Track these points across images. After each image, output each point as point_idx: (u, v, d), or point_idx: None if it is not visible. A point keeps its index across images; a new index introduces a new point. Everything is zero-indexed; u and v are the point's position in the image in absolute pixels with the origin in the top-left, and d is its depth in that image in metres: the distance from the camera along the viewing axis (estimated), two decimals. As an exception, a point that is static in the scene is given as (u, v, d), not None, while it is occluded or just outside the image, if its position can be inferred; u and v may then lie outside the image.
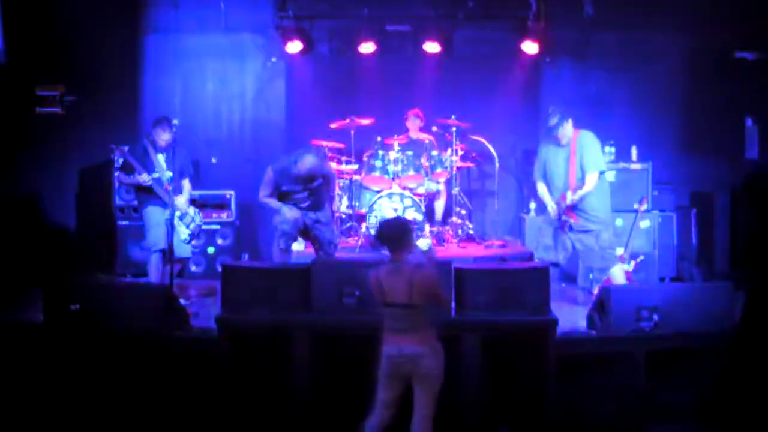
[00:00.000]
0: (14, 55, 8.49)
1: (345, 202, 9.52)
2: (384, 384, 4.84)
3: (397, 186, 9.01)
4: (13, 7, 8.43)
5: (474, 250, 9.18)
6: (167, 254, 7.29)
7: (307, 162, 7.27)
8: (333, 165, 9.27)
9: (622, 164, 8.89)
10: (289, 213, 7.16)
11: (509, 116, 10.04)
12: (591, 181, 7.32)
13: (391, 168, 9.08)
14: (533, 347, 5.89)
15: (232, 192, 9.29)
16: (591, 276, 7.80)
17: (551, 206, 7.58)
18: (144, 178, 7.38)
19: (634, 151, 9.09)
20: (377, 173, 9.14)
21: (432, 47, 9.75)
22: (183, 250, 7.56)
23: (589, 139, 7.46)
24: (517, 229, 10.18)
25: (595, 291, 7.16)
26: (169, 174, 7.50)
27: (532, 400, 5.87)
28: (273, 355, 5.98)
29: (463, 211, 9.78)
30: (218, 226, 9.20)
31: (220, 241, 9.20)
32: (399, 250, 4.83)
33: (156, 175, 7.45)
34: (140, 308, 6.14)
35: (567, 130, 7.42)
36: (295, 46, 9.59)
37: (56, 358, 6.05)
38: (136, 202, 8.69)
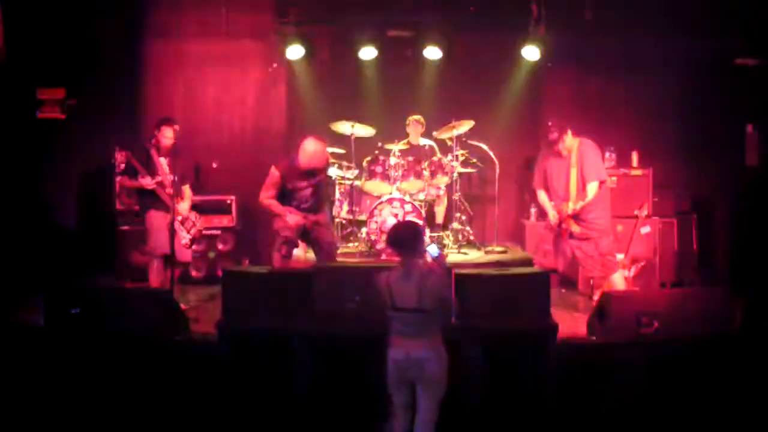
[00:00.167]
0: (15, 58, 8.51)
1: (345, 207, 9.52)
2: (395, 389, 4.88)
3: (398, 191, 9.01)
4: (13, 10, 8.44)
5: (474, 256, 9.17)
6: (168, 259, 7.29)
7: (311, 148, 7.16)
8: (334, 171, 9.28)
9: (622, 170, 8.90)
10: (292, 219, 7.08)
11: (510, 122, 10.04)
12: (592, 190, 7.33)
13: (391, 173, 9.08)
14: (534, 353, 5.89)
15: (233, 197, 9.30)
16: (591, 282, 7.80)
17: (552, 214, 7.59)
18: (147, 181, 7.37)
19: (634, 156, 9.10)
20: (378, 179, 9.14)
21: (433, 53, 9.75)
22: (184, 254, 7.57)
23: (589, 149, 7.48)
24: (517, 234, 10.18)
25: (596, 297, 7.16)
26: (174, 178, 7.50)
27: (533, 406, 5.86)
28: (273, 360, 5.98)
29: (464, 217, 9.77)
30: (219, 231, 9.21)
31: (220, 246, 9.21)
32: (410, 254, 4.85)
33: (159, 178, 7.45)
34: (141, 313, 6.15)
35: (567, 142, 7.46)
36: (296, 52, 9.59)
37: (57, 361, 6.05)
38: (137, 207, 8.71)
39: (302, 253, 8.44)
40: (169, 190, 7.38)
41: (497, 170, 9.69)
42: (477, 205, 10.44)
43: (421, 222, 8.82)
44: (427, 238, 8.65)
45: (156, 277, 7.41)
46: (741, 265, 8.82)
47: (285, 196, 7.22)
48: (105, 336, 6.04)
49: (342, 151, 9.47)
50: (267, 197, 7.21)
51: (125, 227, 9.05)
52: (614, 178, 8.59)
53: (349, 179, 9.39)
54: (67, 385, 6.00)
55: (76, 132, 9.33)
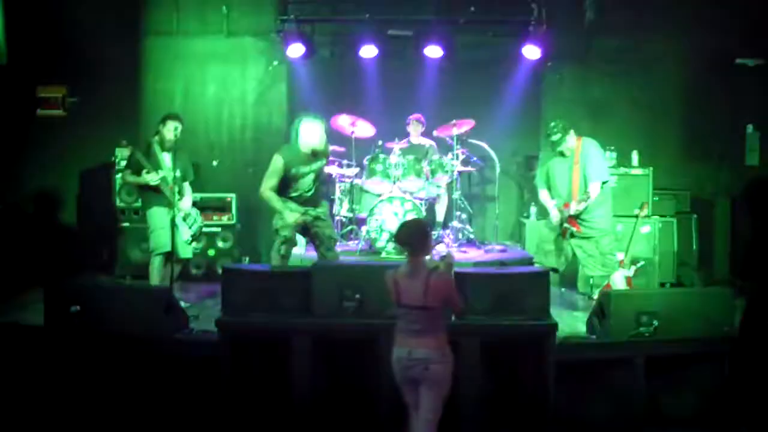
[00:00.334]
0: (16, 56, 8.51)
1: (345, 205, 9.52)
2: (403, 389, 4.88)
3: (398, 190, 9.01)
4: (15, 8, 8.45)
5: (474, 255, 9.18)
6: (170, 256, 7.29)
7: (309, 128, 6.91)
8: (334, 168, 9.29)
9: (622, 170, 8.90)
10: (291, 217, 6.96)
11: (510, 121, 10.04)
12: (594, 190, 7.34)
13: (391, 172, 9.08)
14: (533, 352, 5.89)
15: (233, 195, 9.31)
16: (591, 281, 7.81)
17: (554, 213, 7.60)
18: (152, 177, 7.34)
19: (634, 156, 9.11)
20: (378, 177, 9.14)
21: (433, 52, 9.75)
22: (185, 251, 7.56)
23: (592, 149, 7.49)
24: (517, 233, 10.19)
25: (595, 296, 7.17)
26: (175, 174, 7.50)
27: (532, 405, 5.87)
28: (273, 358, 5.98)
29: (464, 216, 9.77)
30: (219, 229, 9.22)
31: (220, 244, 9.22)
32: (417, 252, 4.85)
33: (162, 173, 7.42)
34: (140, 310, 6.15)
35: (570, 142, 7.47)
36: (296, 50, 9.59)
37: (56, 359, 6.05)
38: (137, 204, 8.72)
39: (302, 251, 8.44)
40: (172, 186, 7.38)
41: (497, 169, 9.70)
42: (477, 203, 10.46)
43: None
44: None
45: (157, 275, 7.41)
46: (740, 264, 8.83)
47: (286, 185, 6.96)
48: (105, 334, 6.04)
49: (342, 149, 9.48)
50: (268, 188, 6.84)
51: (125, 224, 9.06)
52: (614, 178, 8.59)
53: (349, 177, 9.40)
54: (67, 382, 6.00)
55: (77, 130, 9.35)
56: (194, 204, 7.80)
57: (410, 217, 8.65)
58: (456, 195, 9.60)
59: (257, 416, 5.96)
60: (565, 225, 7.52)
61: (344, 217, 9.59)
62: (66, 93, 9.37)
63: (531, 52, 9.49)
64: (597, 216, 7.45)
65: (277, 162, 6.85)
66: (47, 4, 8.98)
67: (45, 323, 6.20)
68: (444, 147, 9.70)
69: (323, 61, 10.16)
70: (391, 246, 8.68)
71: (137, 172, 7.38)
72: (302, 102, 9.97)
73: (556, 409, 5.83)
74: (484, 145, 9.64)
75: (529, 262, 8.62)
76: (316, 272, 6.06)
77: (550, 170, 7.68)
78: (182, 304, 6.94)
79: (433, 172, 9.29)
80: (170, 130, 7.49)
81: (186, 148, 7.85)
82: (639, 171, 8.94)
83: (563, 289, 8.47)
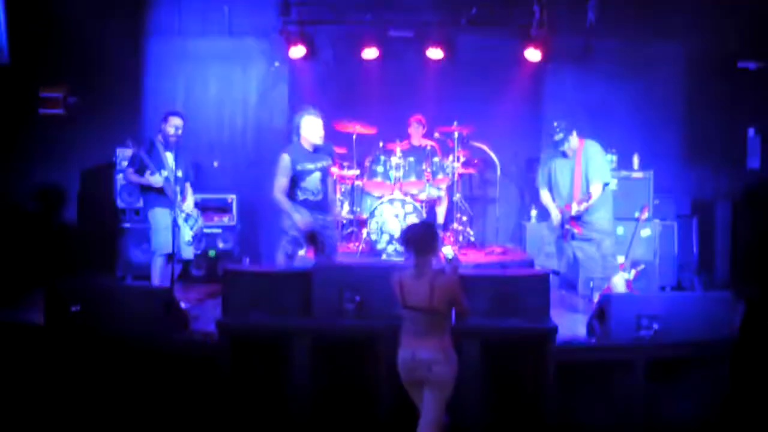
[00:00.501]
0: (17, 56, 8.51)
1: (346, 207, 9.53)
2: (409, 391, 4.89)
3: (399, 192, 9.01)
4: (16, 8, 8.44)
5: (475, 257, 9.18)
6: (171, 257, 7.30)
7: (310, 122, 6.95)
8: (335, 170, 9.29)
9: (623, 172, 8.90)
10: (301, 221, 6.97)
11: (511, 123, 10.05)
12: (595, 191, 7.34)
13: (392, 173, 9.09)
14: (533, 354, 5.89)
15: (234, 196, 9.31)
16: (591, 284, 7.81)
17: (555, 214, 7.60)
18: (156, 179, 7.34)
19: (635, 159, 9.11)
20: (379, 179, 9.15)
21: (435, 53, 9.76)
22: (186, 251, 7.56)
23: (594, 150, 7.49)
24: (518, 236, 10.18)
25: (596, 299, 7.16)
26: (179, 173, 7.49)
27: (532, 407, 5.87)
28: (273, 359, 5.98)
29: (465, 218, 9.78)
30: (220, 230, 9.22)
31: (221, 245, 9.22)
32: (424, 254, 4.86)
33: (165, 173, 7.42)
34: (141, 311, 6.15)
35: (572, 142, 7.46)
36: (298, 51, 9.60)
37: (57, 359, 6.05)
38: (138, 205, 8.72)
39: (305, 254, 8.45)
40: (174, 187, 7.38)
41: (498, 171, 9.71)
42: (477, 205, 10.46)
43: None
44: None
45: (158, 276, 7.41)
46: (741, 268, 8.84)
47: (294, 185, 6.98)
48: (105, 334, 6.04)
49: (343, 150, 9.48)
50: (281, 189, 6.89)
51: (126, 225, 9.06)
52: (615, 181, 8.59)
53: (350, 179, 9.40)
54: (67, 382, 6.00)
55: (78, 130, 9.33)
56: (195, 205, 7.80)
57: (411, 218, 8.66)
58: (457, 197, 9.60)
59: (257, 417, 5.96)
60: (567, 226, 7.52)
61: (345, 218, 9.59)
62: (67, 93, 9.35)
63: (532, 54, 9.50)
64: (598, 218, 7.45)
65: (284, 160, 6.90)
66: (49, 4, 8.97)
67: (45, 323, 6.19)
68: (445, 149, 9.70)
69: (325, 62, 10.16)
70: (391, 248, 8.69)
71: (140, 172, 7.39)
72: (303, 103, 9.95)
73: (556, 412, 5.83)
74: (485, 146, 9.64)
75: (530, 264, 8.62)
76: (317, 273, 6.06)
77: (552, 171, 7.68)
78: (183, 304, 6.94)
79: (433, 174, 9.29)
80: (171, 126, 7.49)
81: (187, 148, 7.85)
82: (640, 174, 8.95)
83: (563, 292, 8.47)
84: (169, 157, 7.50)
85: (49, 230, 9.05)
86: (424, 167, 9.20)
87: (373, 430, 5.85)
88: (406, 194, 9.03)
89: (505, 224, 10.21)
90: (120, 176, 8.84)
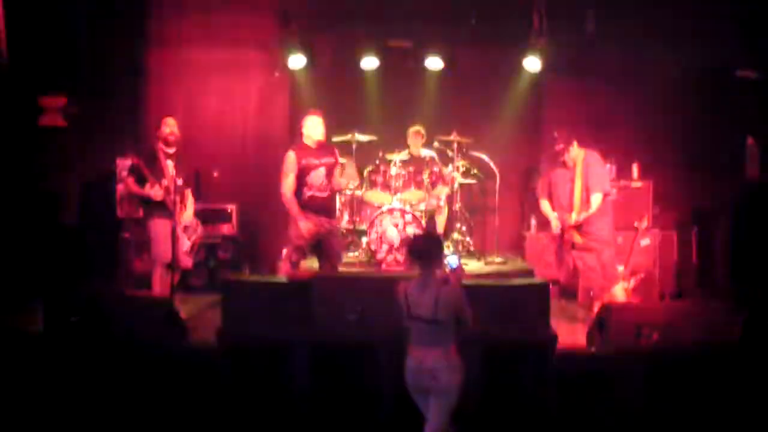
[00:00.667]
0: (18, 65, 8.53)
1: (346, 217, 9.52)
2: (415, 399, 4.90)
3: (398, 202, 9.01)
4: (17, 17, 8.47)
5: (474, 267, 9.17)
6: (170, 267, 7.30)
7: (312, 120, 7.26)
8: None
9: (622, 182, 8.92)
10: (305, 226, 7.08)
11: (511, 133, 10.04)
12: (595, 202, 7.36)
13: (392, 183, 9.09)
14: (533, 364, 5.90)
15: (234, 206, 9.32)
16: (591, 293, 7.81)
17: (555, 223, 7.61)
18: (156, 192, 7.35)
19: (635, 168, 9.12)
20: (378, 188, 9.15)
21: (434, 63, 9.78)
22: (184, 261, 7.56)
23: (595, 161, 7.52)
24: (517, 245, 10.18)
25: (595, 308, 7.16)
26: (179, 181, 7.50)
27: (532, 417, 5.86)
28: (273, 369, 5.98)
29: (464, 227, 9.77)
30: (220, 240, 9.22)
31: (221, 255, 9.21)
32: (428, 265, 4.87)
33: (165, 182, 7.43)
34: (141, 320, 6.16)
35: (573, 153, 7.49)
36: (298, 61, 9.62)
37: (56, 369, 6.05)
38: (139, 214, 8.71)
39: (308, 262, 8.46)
40: (174, 197, 7.38)
41: (498, 181, 9.69)
42: (477, 215, 10.44)
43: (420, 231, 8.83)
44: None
45: (159, 285, 7.41)
46: (741, 277, 8.83)
47: (300, 181, 7.17)
48: (104, 343, 6.04)
49: (343, 160, 9.48)
50: (289, 188, 7.13)
51: (126, 234, 9.06)
52: (614, 190, 8.60)
53: (350, 189, 9.40)
54: (67, 392, 6.00)
55: (78, 140, 9.35)
56: (195, 214, 7.81)
57: (410, 228, 8.66)
58: (456, 207, 9.60)
59: (257, 427, 5.95)
60: (567, 236, 7.53)
61: (344, 228, 9.58)
62: (67, 103, 9.37)
63: (531, 63, 9.52)
64: (598, 228, 7.46)
65: (289, 156, 7.17)
66: (50, 14, 9.00)
67: (44, 332, 6.19)
68: (444, 158, 9.70)
69: (324, 72, 10.17)
70: (391, 258, 8.69)
71: (141, 183, 7.40)
72: (303, 112, 9.97)
73: (556, 421, 5.82)
74: (485, 156, 9.65)
75: (530, 274, 8.61)
76: (317, 284, 6.07)
77: (552, 181, 7.70)
78: (183, 314, 6.93)
79: (433, 184, 9.29)
80: (166, 126, 7.53)
81: (187, 155, 7.85)
82: (639, 183, 8.97)
83: (563, 301, 8.46)
84: (170, 166, 7.51)
85: (49, 240, 9.05)
86: (423, 177, 9.20)
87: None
88: (405, 204, 9.03)
89: (504, 234, 10.19)
90: (120, 186, 8.84)
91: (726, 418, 5.89)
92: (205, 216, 8.65)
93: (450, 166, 9.47)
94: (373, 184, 9.18)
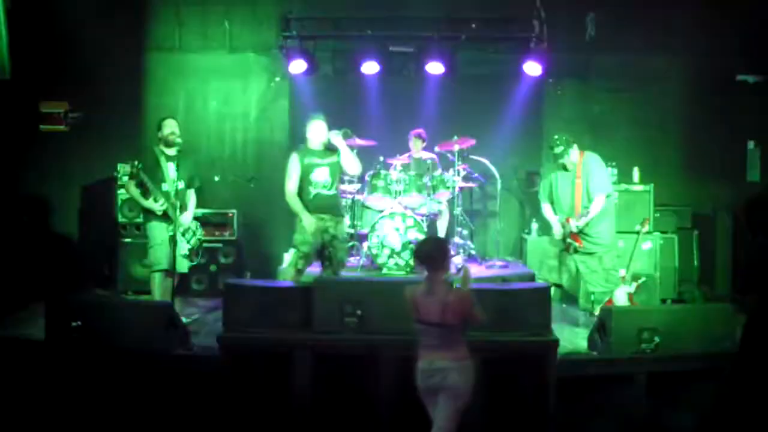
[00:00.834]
0: (20, 71, 8.54)
1: (347, 221, 9.52)
2: (425, 402, 4.89)
3: (399, 206, 9.01)
4: (19, 24, 8.48)
5: (475, 271, 9.17)
6: (169, 272, 7.29)
7: (315, 124, 7.37)
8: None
9: (623, 186, 8.91)
10: (309, 223, 7.14)
11: (512, 137, 10.05)
12: (598, 203, 7.36)
13: (393, 188, 9.09)
14: (534, 368, 5.88)
15: (235, 210, 9.33)
16: (592, 297, 7.81)
17: (556, 228, 7.61)
18: (157, 206, 7.33)
19: (636, 172, 9.12)
20: (379, 193, 9.15)
21: (435, 68, 9.78)
22: (181, 265, 7.52)
23: (594, 163, 7.52)
24: (518, 249, 10.18)
25: (597, 312, 7.16)
26: (179, 185, 7.49)
27: (533, 422, 5.85)
28: (274, 373, 5.97)
29: (465, 231, 9.77)
30: (221, 245, 9.22)
31: (222, 260, 9.22)
32: (435, 269, 4.87)
33: (165, 187, 7.41)
34: (141, 325, 6.15)
35: (573, 156, 7.50)
36: (298, 66, 9.63)
37: (57, 374, 6.04)
38: (138, 219, 8.72)
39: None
40: (174, 201, 7.36)
41: (498, 185, 9.70)
42: (478, 219, 10.45)
43: (422, 237, 8.81)
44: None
45: (158, 291, 7.40)
46: (742, 279, 8.82)
47: (304, 180, 7.25)
48: (106, 349, 6.03)
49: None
50: (292, 189, 7.24)
51: (127, 240, 9.06)
52: (616, 194, 8.61)
53: (350, 193, 9.41)
54: (68, 398, 5.99)
55: (79, 145, 9.37)
56: (195, 217, 7.79)
57: (412, 233, 8.66)
58: (457, 211, 9.61)
59: (257, 431, 5.95)
60: (568, 240, 7.53)
61: (345, 232, 9.57)
62: (68, 108, 9.39)
63: (532, 68, 9.52)
64: (600, 231, 7.47)
65: (292, 158, 7.32)
66: (51, 20, 9.02)
67: (46, 338, 6.19)
68: (445, 163, 9.70)
69: (325, 77, 10.19)
70: (392, 262, 8.69)
71: (143, 194, 7.37)
72: (304, 118, 9.99)
73: (557, 425, 5.81)
74: (486, 161, 9.65)
75: (531, 278, 8.61)
76: (318, 288, 6.06)
77: (553, 184, 7.71)
78: (183, 319, 6.93)
79: (434, 188, 9.29)
80: (167, 128, 7.49)
81: (190, 155, 7.83)
82: (640, 187, 8.96)
83: (564, 305, 8.45)
84: (171, 169, 7.48)
85: (49, 245, 9.05)
86: (424, 181, 9.20)
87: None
88: (406, 208, 9.03)
89: (505, 238, 10.21)
90: (121, 191, 8.85)
91: (727, 422, 5.88)
92: (205, 221, 8.66)
93: (451, 170, 9.46)
94: (374, 189, 9.18)
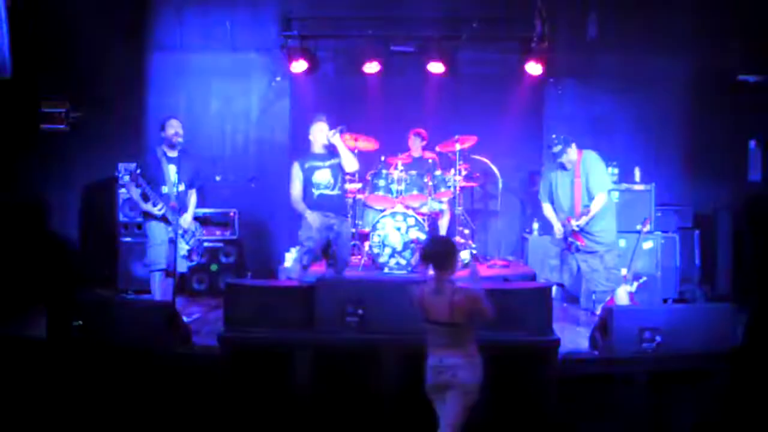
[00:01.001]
0: (20, 70, 8.54)
1: (348, 221, 9.52)
2: (433, 399, 4.88)
3: (401, 205, 9.01)
4: (20, 23, 8.48)
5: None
6: (168, 272, 7.28)
7: (316, 126, 7.47)
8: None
9: (625, 185, 8.91)
10: (313, 219, 7.20)
11: (512, 136, 10.05)
12: (598, 201, 7.36)
13: (394, 187, 9.09)
14: (536, 367, 5.88)
15: (236, 210, 9.33)
16: (593, 296, 7.81)
17: (557, 227, 7.61)
18: (157, 210, 7.33)
19: (637, 172, 9.11)
20: (381, 192, 9.15)
21: (436, 67, 9.78)
22: (180, 265, 7.51)
23: (593, 161, 7.51)
24: (519, 249, 10.18)
25: (598, 311, 7.16)
26: (180, 187, 7.48)
27: (534, 421, 5.85)
28: (275, 373, 5.97)
29: (467, 231, 9.76)
30: (221, 244, 9.23)
31: (223, 259, 9.22)
32: (443, 269, 4.86)
33: (165, 190, 7.41)
34: (142, 325, 6.15)
35: (571, 155, 7.49)
36: (299, 66, 9.64)
37: (59, 374, 6.04)
38: (139, 219, 8.72)
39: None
40: (173, 203, 7.37)
41: (500, 184, 9.71)
42: (479, 219, 10.46)
43: (423, 236, 8.82)
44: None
45: (158, 290, 7.40)
46: (743, 280, 8.83)
47: (307, 184, 7.37)
48: (107, 348, 6.04)
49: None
50: (296, 194, 7.40)
51: (127, 239, 9.07)
52: (617, 193, 8.61)
53: (352, 193, 9.41)
54: (69, 397, 5.99)
55: (80, 144, 9.36)
56: (196, 218, 7.79)
57: (413, 232, 8.66)
58: (458, 210, 9.61)
59: (258, 430, 5.94)
60: (570, 239, 7.53)
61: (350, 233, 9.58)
62: (69, 108, 9.39)
63: (533, 68, 9.53)
64: (601, 230, 7.46)
65: (294, 167, 7.47)
66: (52, 19, 9.02)
67: (47, 338, 6.19)
68: (446, 162, 9.70)
69: (326, 76, 10.20)
70: (393, 261, 8.69)
71: (144, 197, 7.36)
72: (305, 117, 10.00)
73: (558, 425, 5.81)
74: (487, 160, 9.65)
75: (532, 277, 8.61)
76: (319, 287, 6.06)
77: (553, 184, 7.70)
78: (184, 318, 6.93)
79: (435, 188, 9.29)
80: (171, 128, 7.47)
81: (191, 153, 7.82)
82: (641, 186, 8.95)
83: (566, 304, 8.45)
84: (172, 170, 7.48)
85: (50, 244, 9.06)
86: (425, 181, 9.20)
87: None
88: (408, 208, 9.03)
89: (507, 237, 10.21)
90: (122, 191, 8.85)
91: (729, 421, 5.88)
92: (206, 220, 8.67)
93: (452, 170, 9.47)
94: (375, 188, 9.18)
